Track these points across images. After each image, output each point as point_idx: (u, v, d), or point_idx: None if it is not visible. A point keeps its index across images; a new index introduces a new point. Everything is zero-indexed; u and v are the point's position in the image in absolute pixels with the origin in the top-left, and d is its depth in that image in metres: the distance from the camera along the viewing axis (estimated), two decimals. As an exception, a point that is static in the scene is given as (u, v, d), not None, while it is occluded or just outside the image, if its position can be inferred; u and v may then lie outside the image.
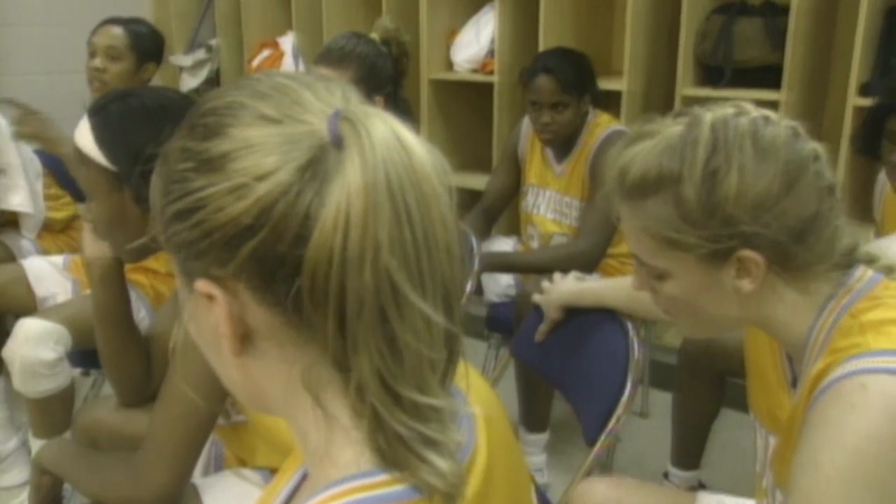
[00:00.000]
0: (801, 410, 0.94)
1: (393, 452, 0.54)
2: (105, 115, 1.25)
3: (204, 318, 0.57)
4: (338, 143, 0.52)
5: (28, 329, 1.91)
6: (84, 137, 1.26)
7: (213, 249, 0.53)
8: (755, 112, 0.95)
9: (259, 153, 0.52)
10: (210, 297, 0.55)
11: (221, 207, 0.52)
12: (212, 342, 0.59)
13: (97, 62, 2.49)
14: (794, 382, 1.05)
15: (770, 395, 1.12)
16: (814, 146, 0.95)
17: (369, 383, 0.52)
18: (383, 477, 0.54)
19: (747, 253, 0.93)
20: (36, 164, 2.51)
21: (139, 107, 1.24)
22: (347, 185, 0.51)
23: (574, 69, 2.33)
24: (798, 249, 0.93)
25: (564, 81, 2.28)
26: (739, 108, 0.96)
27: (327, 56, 2.08)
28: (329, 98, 0.56)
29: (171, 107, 1.29)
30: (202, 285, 0.55)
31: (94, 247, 1.36)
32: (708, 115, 0.94)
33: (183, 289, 0.59)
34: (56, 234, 2.55)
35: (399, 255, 0.51)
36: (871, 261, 0.99)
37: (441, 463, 0.54)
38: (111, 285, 1.39)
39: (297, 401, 0.57)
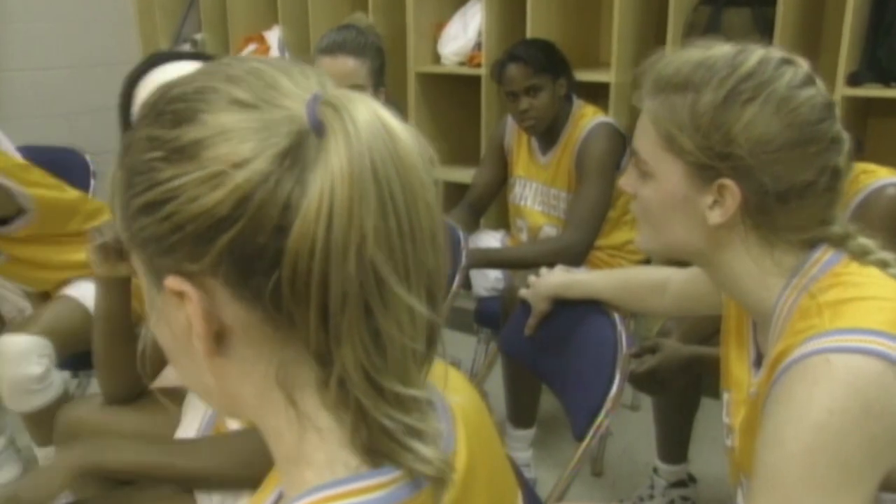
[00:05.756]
0: (763, 393, 0.94)
1: (377, 444, 0.53)
2: None
3: (174, 317, 0.55)
4: (318, 128, 0.50)
5: (10, 347, 1.87)
6: None
7: (185, 243, 0.51)
8: (806, 68, 0.97)
9: (235, 140, 0.49)
10: (181, 295, 0.53)
11: (195, 198, 0.49)
12: (183, 344, 0.56)
13: None
14: (758, 360, 1.05)
15: (730, 369, 1.12)
16: (840, 130, 0.96)
17: (353, 377, 0.51)
18: (359, 484, 0.53)
19: (728, 182, 0.94)
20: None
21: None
22: (331, 171, 0.48)
23: (542, 53, 2.35)
24: (776, 207, 0.95)
25: (534, 65, 2.31)
26: (793, 60, 0.97)
27: (344, 46, 2.02)
28: (305, 83, 0.53)
29: None
30: (172, 282, 0.52)
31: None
32: (760, 52, 0.96)
33: (150, 289, 0.56)
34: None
35: (384, 246, 0.49)
36: (865, 253, 0.98)
37: (425, 451, 0.54)
38: (113, 284, 1.37)
39: (270, 403, 0.55)
